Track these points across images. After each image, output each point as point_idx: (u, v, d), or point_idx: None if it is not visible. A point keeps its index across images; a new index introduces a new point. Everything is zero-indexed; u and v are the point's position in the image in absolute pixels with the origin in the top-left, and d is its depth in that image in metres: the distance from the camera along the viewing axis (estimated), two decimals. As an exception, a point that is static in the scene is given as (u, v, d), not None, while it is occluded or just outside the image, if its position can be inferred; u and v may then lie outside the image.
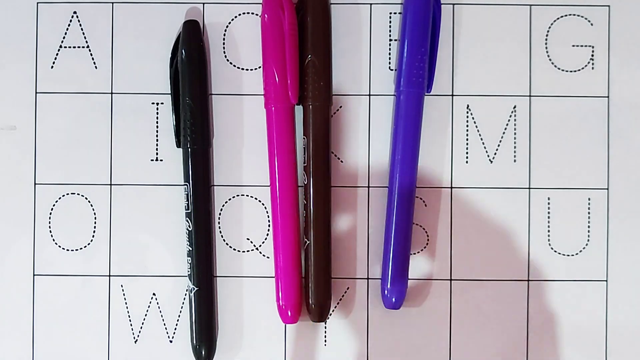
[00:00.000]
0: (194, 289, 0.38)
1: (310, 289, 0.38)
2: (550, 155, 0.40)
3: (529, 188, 0.40)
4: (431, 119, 0.40)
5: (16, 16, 0.40)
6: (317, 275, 0.38)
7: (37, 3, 0.40)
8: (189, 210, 0.38)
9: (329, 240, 0.39)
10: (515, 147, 0.40)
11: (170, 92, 0.39)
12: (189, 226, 0.38)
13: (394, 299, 0.39)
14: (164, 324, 0.40)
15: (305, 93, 0.38)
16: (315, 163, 0.38)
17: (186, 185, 0.38)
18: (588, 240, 0.40)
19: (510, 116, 0.40)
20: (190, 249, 0.38)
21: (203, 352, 0.39)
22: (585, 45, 0.40)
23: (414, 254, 0.40)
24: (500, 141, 0.40)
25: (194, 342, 0.39)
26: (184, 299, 0.40)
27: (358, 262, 0.40)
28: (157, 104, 0.40)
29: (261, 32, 0.39)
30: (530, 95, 0.40)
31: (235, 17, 0.40)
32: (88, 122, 0.40)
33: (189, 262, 0.38)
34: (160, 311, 0.40)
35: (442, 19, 0.39)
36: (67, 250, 0.40)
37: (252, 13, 0.40)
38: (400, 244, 0.38)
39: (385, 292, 0.39)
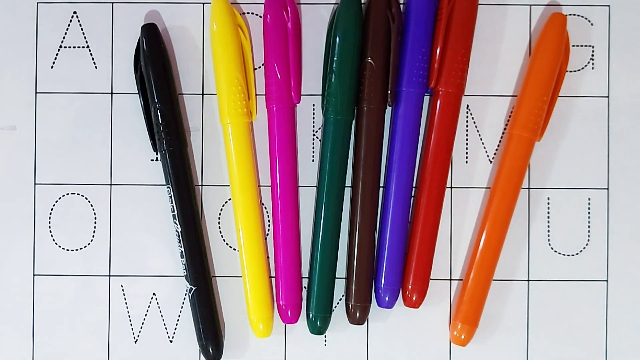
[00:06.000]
0: (192, 289, 0.38)
1: (352, 290, 0.39)
2: (550, 155, 0.40)
3: (529, 188, 0.40)
4: (431, 119, 0.40)
5: (16, 16, 0.40)
6: (359, 276, 0.39)
7: (37, 3, 0.40)
8: (175, 212, 0.38)
9: (373, 243, 0.39)
10: (515, 147, 0.40)
11: (139, 97, 0.39)
12: (178, 227, 0.38)
13: (387, 298, 0.39)
14: (164, 324, 0.40)
15: (361, 95, 0.38)
16: (366, 164, 0.38)
17: (169, 187, 0.38)
18: (588, 240, 0.40)
19: (510, 116, 0.40)
20: (182, 249, 0.38)
21: (211, 350, 0.39)
22: (585, 45, 0.40)
23: (414, 254, 0.40)
24: (500, 141, 0.40)
25: (202, 342, 0.39)
26: (184, 299, 0.40)
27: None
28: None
29: (263, 32, 0.39)
30: (530, 95, 0.40)
31: (236, 17, 0.40)
32: (88, 122, 0.40)
33: (183, 262, 0.38)
34: (160, 311, 0.40)
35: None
36: (67, 250, 0.40)
37: (254, 13, 0.40)
38: (394, 244, 0.38)
39: (379, 291, 0.39)
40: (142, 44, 0.38)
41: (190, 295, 0.39)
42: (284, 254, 0.39)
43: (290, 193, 0.39)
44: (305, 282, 0.40)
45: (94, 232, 0.40)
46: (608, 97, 0.40)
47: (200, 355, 0.40)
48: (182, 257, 0.38)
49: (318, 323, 0.39)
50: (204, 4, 0.40)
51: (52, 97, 0.40)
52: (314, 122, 0.40)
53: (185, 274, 0.39)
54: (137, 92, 0.39)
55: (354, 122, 0.39)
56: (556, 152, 0.40)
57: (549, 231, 0.40)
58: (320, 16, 0.40)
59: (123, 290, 0.40)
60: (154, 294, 0.40)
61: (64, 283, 0.40)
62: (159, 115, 0.38)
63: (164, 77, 0.38)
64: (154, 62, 0.38)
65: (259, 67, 0.40)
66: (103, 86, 0.40)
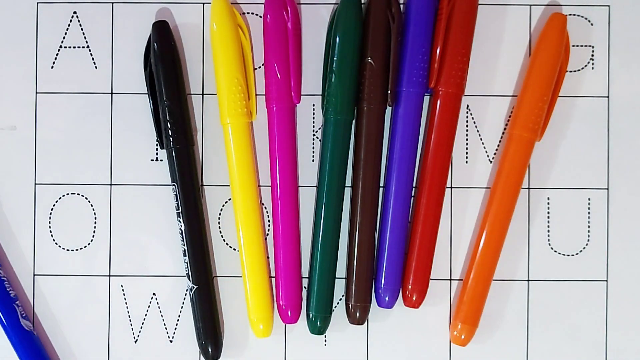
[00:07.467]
0: (193, 287, 0.38)
1: (352, 290, 0.39)
2: (550, 155, 0.40)
3: (529, 188, 0.40)
4: (431, 119, 0.40)
5: (16, 16, 0.40)
6: (359, 276, 0.39)
7: (37, 3, 0.40)
8: (180, 210, 0.38)
9: (373, 243, 0.39)
10: (515, 147, 0.40)
11: (147, 94, 0.39)
12: (182, 226, 0.38)
13: (387, 298, 0.39)
14: (164, 324, 0.40)
15: (361, 95, 0.38)
16: (366, 164, 0.38)
17: (174, 185, 0.38)
18: (588, 240, 0.40)
19: (510, 116, 0.40)
20: (185, 248, 0.38)
21: (210, 350, 0.39)
22: (585, 45, 0.40)
23: (414, 254, 0.40)
24: (500, 141, 0.40)
25: (201, 341, 0.39)
26: (184, 299, 0.40)
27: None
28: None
29: (263, 32, 0.39)
30: (530, 95, 0.40)
31: (236, 17, 0.40)
32: (88, 122, 0.40)
33: (186, 261, 0.38)
34: (160, 311, 0.40)
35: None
36: (67, 250, 0.40)
37: (254, 13, 0.40)
38: (394, 244, 0.38)
39: (379, 291, 0.39)
40: (153, 41, 0.38)
41: (191, 294, 0.39)
42: (284, 254, 0.39)
43: (290, 193, 0.39)
44: (305, 282, 0.40)
45: (94, 232, 0.40)
46: (608, 97, 0.40)
47: (200, 355, 0.40)
48: (184, 255, 0.38)
49: (318, 323, 0.39)
50: (204, 4, 0.40)
51: (52, 97, 0.40)
52: (314, 122, 0.40)
53: (187, 272, 0.39)
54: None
55: (354, 122, 0.39)
56: (556, 152, 0.40)
57: (549, 231, 0.40)
58: (320, 16, 0.40)
59: (123, 290, 0.40)
60: (154, 294, 0.40)
61: (64, 283, 0.40)
62: (167, 113, 0.38)
63: (174, 75, 0.38)
64: (165, 59, 0.38)
65: (259, 67, 0.40)
66: (103, 86, 0.40)
